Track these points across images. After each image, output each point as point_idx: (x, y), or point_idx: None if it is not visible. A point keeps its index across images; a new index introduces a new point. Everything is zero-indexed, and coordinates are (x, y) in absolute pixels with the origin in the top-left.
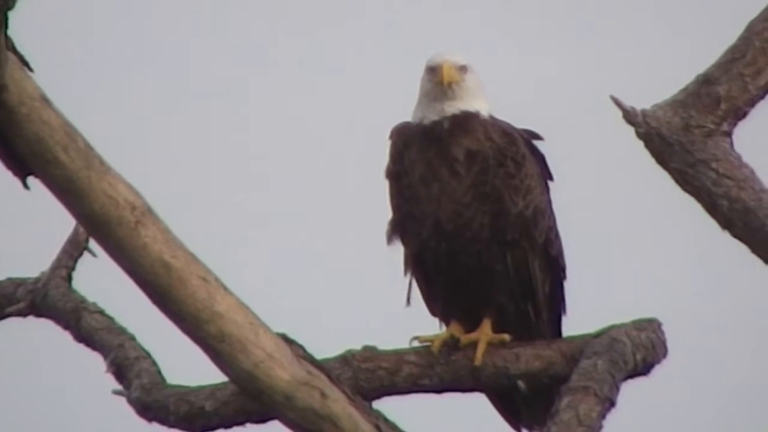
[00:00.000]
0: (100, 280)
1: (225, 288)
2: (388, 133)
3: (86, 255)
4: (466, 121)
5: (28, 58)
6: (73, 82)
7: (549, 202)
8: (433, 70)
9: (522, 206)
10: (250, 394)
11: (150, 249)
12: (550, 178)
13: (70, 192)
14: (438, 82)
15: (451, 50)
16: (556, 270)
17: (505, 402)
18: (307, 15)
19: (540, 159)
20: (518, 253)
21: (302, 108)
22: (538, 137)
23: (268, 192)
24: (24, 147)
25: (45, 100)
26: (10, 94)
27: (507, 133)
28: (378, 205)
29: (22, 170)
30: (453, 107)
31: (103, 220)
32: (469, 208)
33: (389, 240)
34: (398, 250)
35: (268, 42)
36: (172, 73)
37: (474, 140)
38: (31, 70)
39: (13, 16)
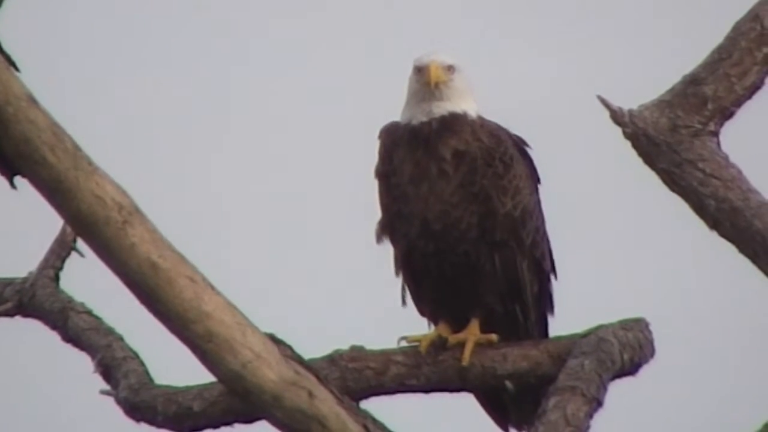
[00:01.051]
0: (88, 280)
1: (212, 288)
2: (377, 133)
3: (74, 255)
4: (454, 121)
5: (14, 58)
6: (60, 83)
7: (538, 203)
8: (420, 71)
9: (510, 207)
10: (238, 394)
11: (137, 249)
12: (538, 181)
13: (57, 192)
14: (425, 82)
15: (438, 50)
16: (539, 272)
17: (493, 402)
18: (305, 14)
19: (528, 161)
20: (506, 254)
21: (292, 107)
22: (525, 145)
23: (256, 192)
24: (11, 147)
25: (32, 100)
26: None
27: (495, 134)
28: (366, 204)
29: (9, 170)
30: (441, 108)
31: (90, 220)
32: (457, 208)
33: (378, 239)
34: (387, 249)
35: (262, 40)
36: (161, 72)
37: (462, 141)
38: (17, 70)
39: None
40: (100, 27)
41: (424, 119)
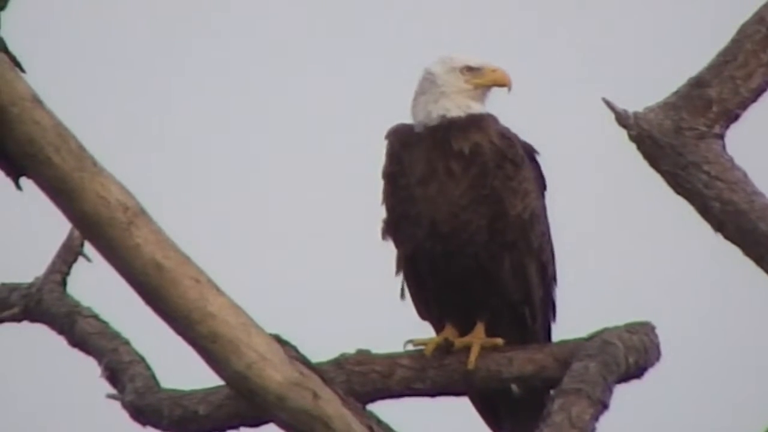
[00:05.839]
0: (95, 284)
1: (217, 289)
2: (383, 135)
3: (81, 260)
4: (469, 122)
5: (20, 58)
6: (65, 83)
7: (544, 208)
8: (472, 70)
9: (520, 209)
10: (243, 395)
11: (142, 250)
12: (544, 187)
13: (62, 193)
14: (503, 84)
15: (459, 52)
16: (544, 276)
17: (489, 409)
18: (307, 15)
19: (536, 167)
20: (515, 256)
21: (296, 108)
22: (534, 152)
23: (261, 193)
24: (16, 148)
25: (37, 101)
26: (1, 95)
27: (506, 136)
28: (374, 207)
29: (14, 171)
30: (458, 109)
31: (95, 220)
32: (466, 210)
33: (383, 236)
34: (393, 250)
35: (265, 41)
36: (165, 72)
37: (473, 142)
38: (23, 70)
39: (4, 16)
40: (104, 27)
41: (440, 119)
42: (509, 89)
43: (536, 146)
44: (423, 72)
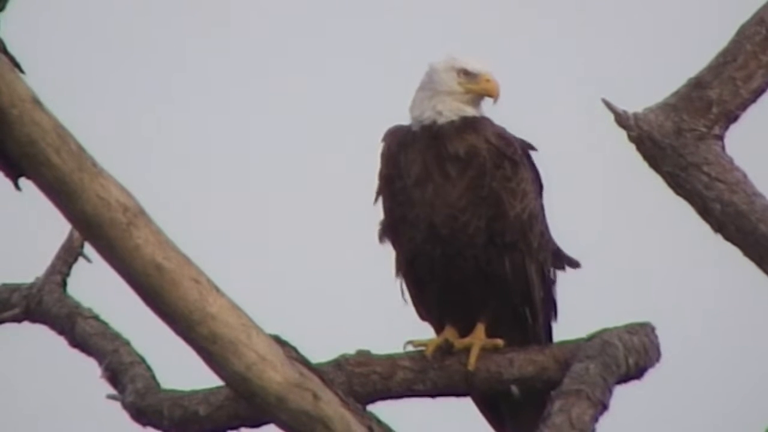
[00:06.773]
0: (95, 285)
1: (217, 290)
2: (380, 136)
3: (81, 261)
4: (466, 124)
5: (19, 59)
6: (64, 84)
7: (542, 207)
8: (468, 74)
9: (519, 209)
10: (243, 396)
11: (142, 250)
12: (541, 186)
13: (62, 194)
14: (490, 95)
15: (474, 56)
16: (543, 276)
17: (492, 409)
18: (307, 15)
19: (533, 166)
20: (516, 256)
21: (298, 108)
22: (531, 148)
23: (261, 192)
24: (16, 149)
25: (36, 102)
26: (1, 96)
27: (504, 136)
28: (373, 208)
29: (14, 172)
30: (455, 111)
31: (95, 221)
32: (465, 212)
33: (381, 239)
34: (392, 251)
35: (265, 41)
36: (165, 74)
37: (471, 144)
38: (22, 71)
39: (4, 17)
40: (104, 28)
41: (436, 120)
42: (495, 101)
43: (533, 145)
44: (428, 66)
